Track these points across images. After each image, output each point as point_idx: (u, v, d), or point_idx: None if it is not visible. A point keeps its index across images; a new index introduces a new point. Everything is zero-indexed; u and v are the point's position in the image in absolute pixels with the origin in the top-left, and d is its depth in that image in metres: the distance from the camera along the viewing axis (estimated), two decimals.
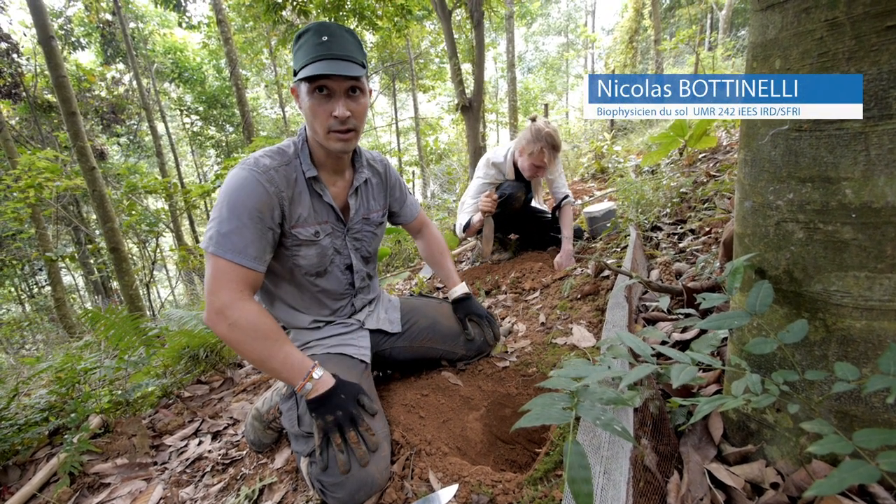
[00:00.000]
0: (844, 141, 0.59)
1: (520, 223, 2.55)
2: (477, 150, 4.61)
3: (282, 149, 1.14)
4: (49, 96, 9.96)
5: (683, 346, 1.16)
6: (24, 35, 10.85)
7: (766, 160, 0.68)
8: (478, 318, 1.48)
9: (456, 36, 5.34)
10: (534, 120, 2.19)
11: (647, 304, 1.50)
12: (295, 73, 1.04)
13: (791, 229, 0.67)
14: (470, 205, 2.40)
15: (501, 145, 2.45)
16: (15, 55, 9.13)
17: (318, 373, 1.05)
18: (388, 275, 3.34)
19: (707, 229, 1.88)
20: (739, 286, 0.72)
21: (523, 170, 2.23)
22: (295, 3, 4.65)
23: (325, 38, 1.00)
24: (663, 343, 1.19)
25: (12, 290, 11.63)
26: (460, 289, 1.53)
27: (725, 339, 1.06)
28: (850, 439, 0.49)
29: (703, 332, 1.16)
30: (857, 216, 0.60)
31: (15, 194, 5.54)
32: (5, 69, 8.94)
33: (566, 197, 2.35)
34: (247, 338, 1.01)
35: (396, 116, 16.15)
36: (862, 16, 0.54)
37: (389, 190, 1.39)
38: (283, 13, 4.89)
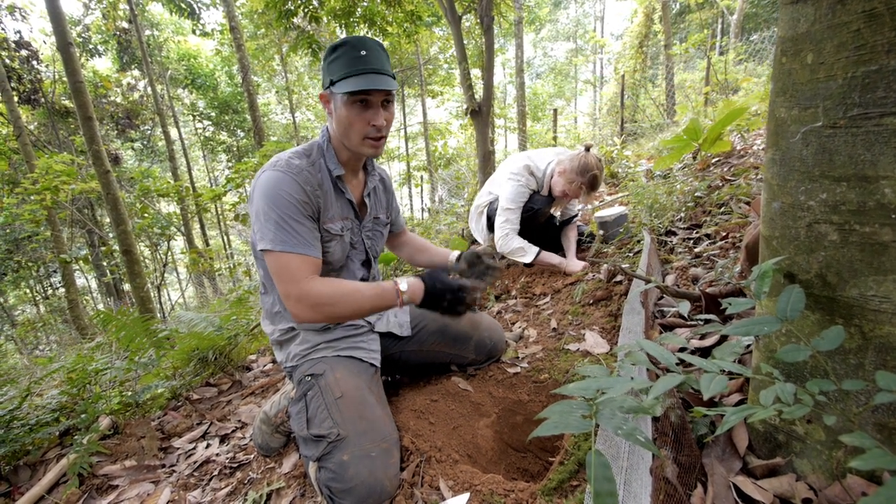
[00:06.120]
0: (884, 138, 0.56)
1: (532, 228, 2.53)
2: (486, 155, 4.59)
3: (305, 150, 1.18)
4: (66, 102, 10.18)
5: (703, 353, 1.12)
6: (44, 43, 11.14)
7: (796, 159, 0.66)
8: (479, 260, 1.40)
9: (465, 41, 5.36)
10: (588, 149, 2.05)
11: (664, 309, 1.46)
12: (332, 83, 1.08)
13: (824, 231, 0.64)
14: (514, 216, 2.17)
15: (540, 151, 2.31)
16: (35, 62, 9.36)
17: (403, 286, 1.12)
18: (396, 279, 3.31)
19: (724, 234, 1.83)
20: (768, 290, 0.69)
21: (554, 186, 2.18)
22: (306, 10, 4.70)
23: (363, 53, 1.06)
24: (682, 350, 1.15)
25: (27, 291, 11.85)
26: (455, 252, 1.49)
27: (749, 346, 1.02)
28: (894, 454, 0.46)
29: (724, 338, 1.12)
30: None
31: (32, 197, 5.66)
32: (25, 75, 9.16)
33: (575, 216, 2.39)
34: (333, 307, 1.07)
35: (405, 122, 16.22)
36: None
37: (390, 198, 1.46)
38: (295, 20, 4.94)
